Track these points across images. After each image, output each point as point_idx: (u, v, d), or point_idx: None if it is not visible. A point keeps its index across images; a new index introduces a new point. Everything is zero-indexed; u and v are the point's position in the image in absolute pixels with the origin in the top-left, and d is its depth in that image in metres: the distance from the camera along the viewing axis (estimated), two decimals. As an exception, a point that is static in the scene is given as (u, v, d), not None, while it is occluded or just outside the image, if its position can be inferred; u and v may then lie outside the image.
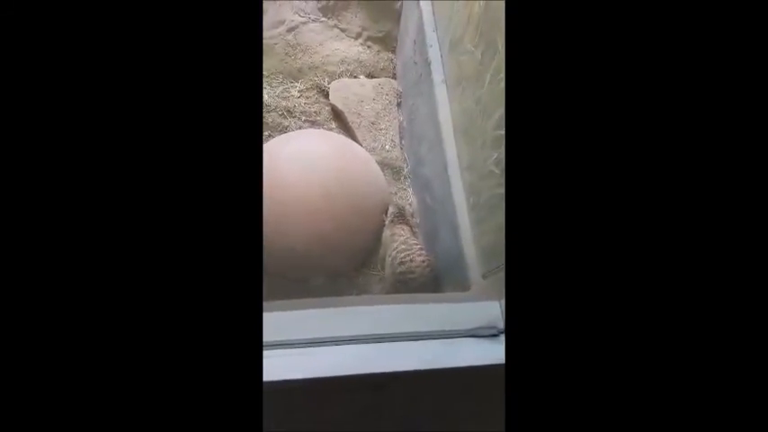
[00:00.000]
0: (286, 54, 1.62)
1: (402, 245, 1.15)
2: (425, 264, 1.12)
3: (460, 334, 0.76)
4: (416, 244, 1.17)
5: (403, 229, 1.21)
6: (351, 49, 1.65)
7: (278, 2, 1.61)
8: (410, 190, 1.43)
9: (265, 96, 1.57)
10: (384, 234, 1.26)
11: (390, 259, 1.16)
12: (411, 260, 1.12)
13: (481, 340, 0.75)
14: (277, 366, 0.59)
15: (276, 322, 0.68)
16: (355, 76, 1.63)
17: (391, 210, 1.27)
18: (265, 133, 1.52)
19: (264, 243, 1.17)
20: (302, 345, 0.66)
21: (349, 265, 1.30)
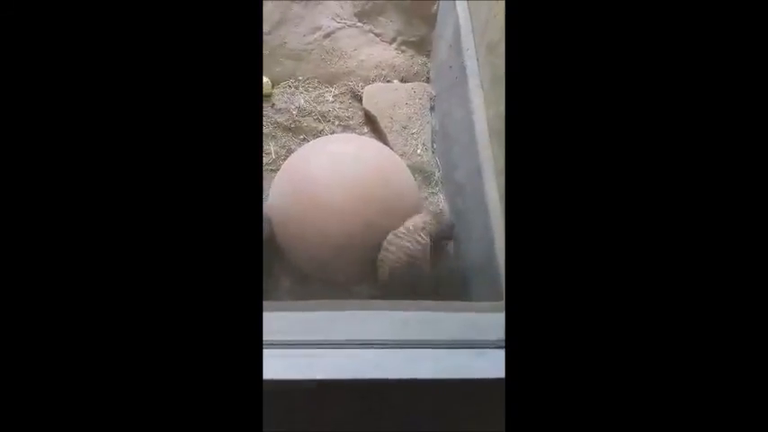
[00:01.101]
0: (322, 59, 1.64)
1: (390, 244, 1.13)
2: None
3: (488, 344, 0.73)
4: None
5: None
6: (385, 54, 1.65)
7: (315, 8, 1.63)
8: (441, 195, 1.41)
9: (301, 101, 1.59)
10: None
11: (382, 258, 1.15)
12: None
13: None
14: (281, 366, 0.58)
15: (287, 322, 0.67)
16: (389, 81, 1.62)
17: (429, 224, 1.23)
18: (300, 137, 1.54)
19: (300, 246, 1.17)
20: (314, 346, 0.65)
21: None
